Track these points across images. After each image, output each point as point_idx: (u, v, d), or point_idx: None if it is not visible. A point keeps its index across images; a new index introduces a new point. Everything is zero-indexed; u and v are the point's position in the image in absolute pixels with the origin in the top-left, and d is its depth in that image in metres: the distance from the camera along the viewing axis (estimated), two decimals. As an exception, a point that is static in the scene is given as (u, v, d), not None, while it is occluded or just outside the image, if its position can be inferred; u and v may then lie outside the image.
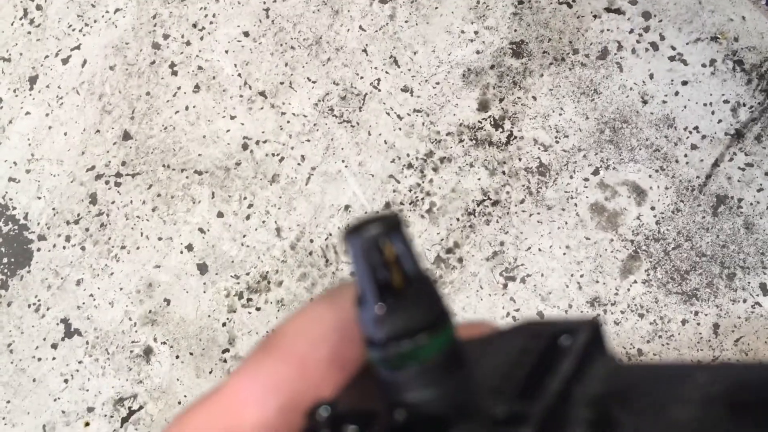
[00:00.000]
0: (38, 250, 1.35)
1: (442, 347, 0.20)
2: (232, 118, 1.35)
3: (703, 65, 1.24)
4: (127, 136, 1.37)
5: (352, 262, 0.20)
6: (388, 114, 1.31)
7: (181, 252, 1.30)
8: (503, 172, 1.26)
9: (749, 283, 1.17)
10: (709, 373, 0.18)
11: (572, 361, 0.20)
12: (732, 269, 1.18)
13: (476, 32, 1.31)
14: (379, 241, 0.20)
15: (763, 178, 1.20)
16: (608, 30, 1.28)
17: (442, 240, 1.25)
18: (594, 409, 0.19)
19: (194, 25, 1.41)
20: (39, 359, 1.31)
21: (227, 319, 1.27)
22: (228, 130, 1.35)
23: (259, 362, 0.22)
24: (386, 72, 1.33)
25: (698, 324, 1.17)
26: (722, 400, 0.17)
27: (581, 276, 1.21)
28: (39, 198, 1.37)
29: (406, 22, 1.34)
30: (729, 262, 1.18)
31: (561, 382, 0.19)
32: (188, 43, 1.40)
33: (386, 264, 0.20)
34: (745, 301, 1.17)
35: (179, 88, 1.38)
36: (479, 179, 1.26)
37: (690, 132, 1.22)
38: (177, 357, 1.27)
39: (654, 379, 0.19)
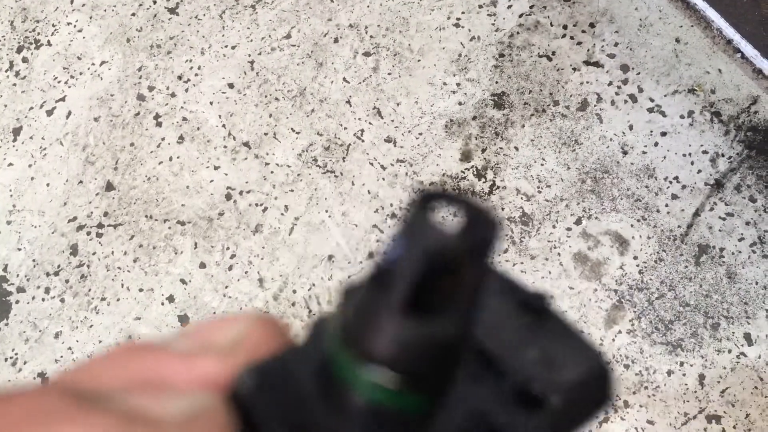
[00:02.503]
0: (17, 302, 1.33)
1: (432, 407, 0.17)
2: (216, 168, 1.35)
3: (682, 117, 1.26)
4: (110, 186, 1.37)
5: (404, 223, 0.16)
6: (371, 164, 1.31)
7: (162, 303, 1.29)
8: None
9: (733, 333, 1.16)
10: None
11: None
12: (716, 319, 1.18)
13: (458, 84, 1.33)
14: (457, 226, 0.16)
15: (744, 228, 1.21)
16: (587, 82, 1.30)
17: (425, 290, 1.25)
18: None
19: (179, 77, 1.42)
20: (14, 415, 1.28)
21: (208, 372, 1.25)
22: (211, 181, 1.35)
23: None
24: (370, 123, 1.34)
25: (684, 375, 1.16)
26: None
27: (566, 326, 1.20)
28: (19, 249, 1.36)
29: (389, 74, 1.36)
30: (713, 312, 1.18)
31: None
32: (173, 95, 1.41)
33: (447, 260, 0.16)
34: (730, 351, 1.16)
35: (163, 139, 1.38)
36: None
37: (670, 182, 1.23)
38: (156, 411, 1.24)
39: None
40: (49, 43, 1.51)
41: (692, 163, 1.24)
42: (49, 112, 1.45)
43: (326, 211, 1.30)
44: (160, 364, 0.19)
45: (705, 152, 1.24)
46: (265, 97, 1.38)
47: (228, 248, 1.31)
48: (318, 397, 0.18)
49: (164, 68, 1.44)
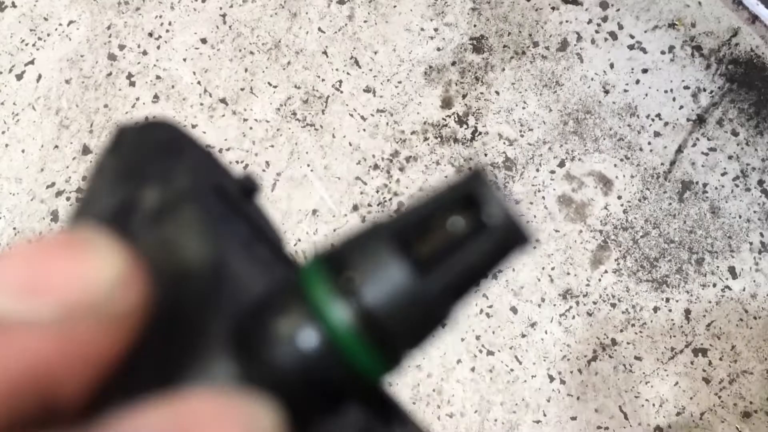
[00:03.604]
0: None
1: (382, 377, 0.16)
2: (194, 126, 1.33)
3: (662, 52, 1.25)
4: (86, 150, 1.35)
5: (455, 180, 0.16)
6: (351, 115, 1.30)
7: (148, 266, 1.28)
8: (470, 169, 1.25)
9: (718, 267, 1.18)
10: None
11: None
12: (700, 254, 1.19)
13: (436, 29, 1.31)
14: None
15: (727, 162, 1.21)
16: (567, 21, 1.28)
17: (411, 240, 1.24)
18: None
19: (150, 34, 1.38)
20: None
21: (198, 331, 1.25)
22: (190, 140, 1.32)
23: None
24: (347, 73, 1.31)
25: (670, 311, 1.17)
26: None
27: (552, 269, 1.21)
28: (-1, 218, 1.34)
29: (365, 21, 1.33)
30: (697, 248, 1.19)
31: None
32: (145, 53, 1.38)
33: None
34: (714, 285, 1.17)
35: (138, 98, 1.35)
36: (446, 177, 1.26)
37: (652, 119, 1.23)
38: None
39: None
40: (13, 5, 1.46)
41: (674, 99, 1.23)
42: (19, 76, 1.41)
43: (308, 165, 1.29)
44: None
45: (686, 87, 1.23)
46: (240, 51, 1.35)
47: (211, 207, 1.29)
48: (270, 307, 0.16)
49: (134, 26, 1.40)
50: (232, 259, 0.17)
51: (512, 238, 0.16)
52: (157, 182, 0.18)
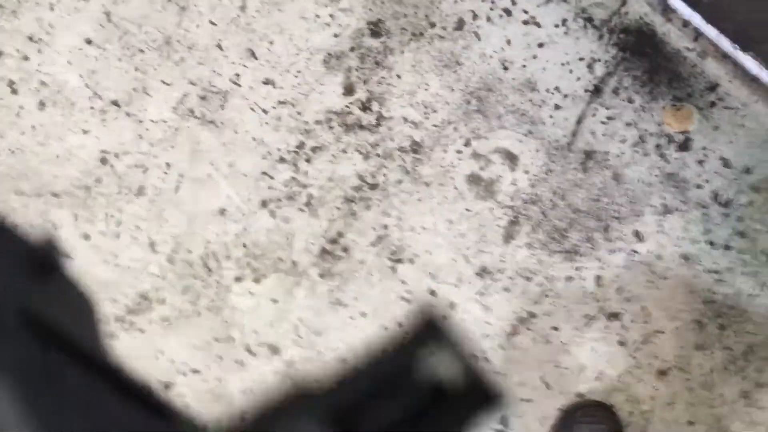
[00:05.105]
0: None
1: None
2: (85, 132, 1.26)
3: (556, 26, 1.26)
4: (-30, 166, 1.26)
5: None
6: (252, 109, 1.26)
7: (49, 283, 1.21)
8: (377, 155, 1.24)
9: (624, 232, 1.21)
10: None
11: None
12: (607, 221, 1.21)
13: (331, 15, 1.28)
14: None
15: (625, 129, 1.24)
16: (461, 0, 1.28)
17: (324, 231, 1.23)
18: None
19: (30, 38, 1.30)
20: None
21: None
22: (83, 146, 1.26)
23: None
24: (244, 66, 1.27)
25: (582, 279, 1.20)
26: None
27: (467, 248, 1.21)
28: None
29: (257, 11, 1.29)
30: (604, 215, 1.22)
31: None
32: (26, 58, 1.30)
33: None
34: (622, 250, 1.21)
35: (22, 107, 1.27)
36: (354, 165, 1.24)
37: (552, 93, 1.24)
38: (60, 395, 1.19)
39: None
40: None
41: (571, 71, 1.25)
42: None
43: (211, 164, 1.25)
44: None
45: (581, 59, 1.25)
46: (128, 49, 1.29)
47: (112, 216, 1.23)
48: None
49: (11, 30, 1.31)
50: None
51: (479, 405, 0.13)
52: None
